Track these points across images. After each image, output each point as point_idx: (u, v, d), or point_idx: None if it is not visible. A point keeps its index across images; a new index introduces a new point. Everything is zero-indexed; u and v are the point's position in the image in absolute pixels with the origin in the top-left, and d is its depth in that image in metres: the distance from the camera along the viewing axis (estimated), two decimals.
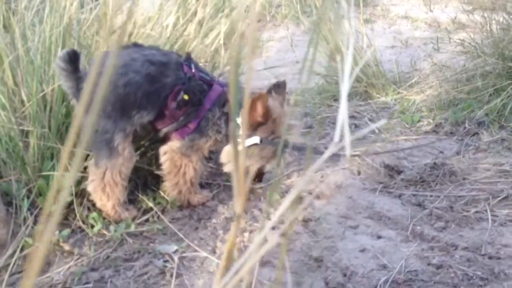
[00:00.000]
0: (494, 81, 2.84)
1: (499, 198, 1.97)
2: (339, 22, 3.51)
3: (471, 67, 3.16)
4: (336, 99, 3.25)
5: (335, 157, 2.35)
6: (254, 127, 1.82)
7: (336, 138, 0.59)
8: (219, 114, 1.84)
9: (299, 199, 0.55)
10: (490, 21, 3.08)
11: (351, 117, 2.96)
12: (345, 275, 1.61)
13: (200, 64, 2.18)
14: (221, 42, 2.37)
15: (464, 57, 3.22)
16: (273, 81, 2.03)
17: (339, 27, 3.46)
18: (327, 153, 0.55)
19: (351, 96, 3.26)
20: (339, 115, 0.59)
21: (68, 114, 1.96)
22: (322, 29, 3.46)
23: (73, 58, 1.69)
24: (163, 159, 1.89)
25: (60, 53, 1.72)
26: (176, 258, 1.67)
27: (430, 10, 4.71)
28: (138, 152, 1.99)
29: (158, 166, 1.96)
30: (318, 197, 2.10)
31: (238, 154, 0.50)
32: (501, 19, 3.05)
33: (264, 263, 1.69)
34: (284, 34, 4.77)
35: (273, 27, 5.07)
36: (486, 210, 1.89)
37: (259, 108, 1.77)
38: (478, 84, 2.88)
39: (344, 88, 0.61)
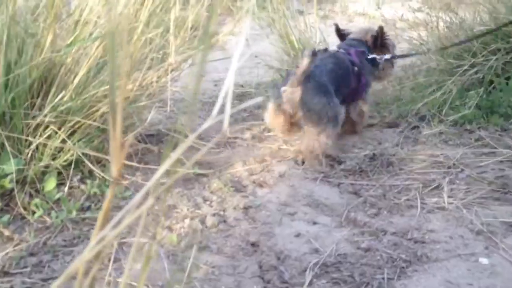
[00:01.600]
0: (437, 77, 2.97)
1: (430, 188, 2.07)
2: (295, 18, 3.58)
3: (417, 63, 3.30)
4: None
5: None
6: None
7: (215, 112, 0.65)
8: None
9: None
10: (437, 19, 3.20)
11: None
12: (278, 259, 1.68)
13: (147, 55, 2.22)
14: (171, 31, 2.40)
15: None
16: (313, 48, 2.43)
17: (294, 22, 3.53)
18: (204, 126, 0.61)
19: None
20: (223, 90, 0.65)
21: (13, 102, 1.97)
22: (278, 24, 3.54)
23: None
24: (364, 110, 2.64)
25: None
26: (115, 243, 1.71)
27: (379, 7, 4.83)
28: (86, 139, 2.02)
29: (105, 153, 2.00)
30: (261, 185, 2.17)
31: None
32: (446, 18, 3.17)
33: (202, 248, 1.75)
34: (244, 28, 4.82)
35: (233, 21, 5.11)
36: (416, 198, 1.99)
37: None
38: (422, 80, 3.00)
39: (233, 67, 0.67)
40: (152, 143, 2.42)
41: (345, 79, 2.49)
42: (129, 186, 2.06)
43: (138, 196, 0.58)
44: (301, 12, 3.82)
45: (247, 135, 2.71)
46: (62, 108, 2.00)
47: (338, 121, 2.33)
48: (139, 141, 2.38)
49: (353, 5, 5.80)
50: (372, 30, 2.83)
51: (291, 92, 2.28)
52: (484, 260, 1.60)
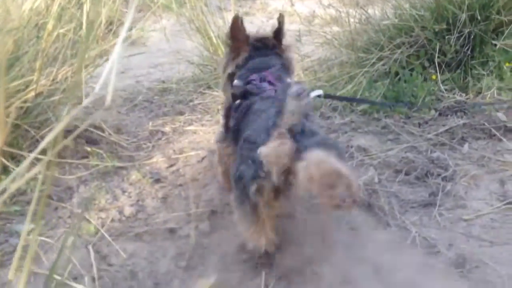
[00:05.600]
0: (348, 70, 3.14)
1: None
2: (214, 14, 3.65)
3: (331, 57, 3.47)
4: (209, 86, 3.39)
5: None
6: None
7: (98, 87, 0.71)
8: None
9: None
10: (348, 15, 3.38)
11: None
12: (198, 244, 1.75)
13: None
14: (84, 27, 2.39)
15: (325, 48, 3.51)
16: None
17: (213, 19, 3.60)
18: (88, 100, 0.67)
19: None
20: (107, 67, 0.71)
21: None
22: (197, 21, 3.59)
23: None
24: None
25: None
26: (31, 236, 1.71)
27: (292, 4, 5.00)
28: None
29: (20, 148, 1.98)
30: (180, 176, 2.22)
31: None
32: (356, 14, 3.36)
33: (120, 236, 1.78)
34: (164, 24, 4.83)
35: (154, 17, 5.11)
36: None
37: None
38: (335, 73, 3.17)
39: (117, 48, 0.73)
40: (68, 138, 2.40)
41: None
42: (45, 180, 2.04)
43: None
44: (220, 9, 3.89)
45: (167, 128, 2.75)
46: None
47: None
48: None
49: (273, 2, 5.95)
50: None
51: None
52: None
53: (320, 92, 1.76)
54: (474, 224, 1.79)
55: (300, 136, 1.36)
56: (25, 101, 2.04)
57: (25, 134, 2.13)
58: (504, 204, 1.89)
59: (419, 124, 2.63)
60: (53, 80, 2.21)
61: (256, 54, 1.85)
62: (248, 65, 1.83)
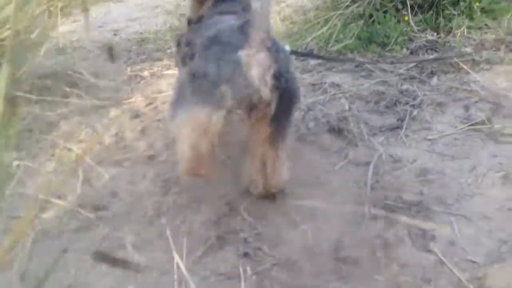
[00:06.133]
0: (324, 13, 3.19)
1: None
2: None
3: (307, 4, 3.51)
4: None
5: None
6: None
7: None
8: None
9: None
10: None
11: None
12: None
13: None
14: None
15: None
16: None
17: None
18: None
19: None
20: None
21: None
22: None
23: None
24: None
25: None
26: (16, 164, 1.78)
27: None
28: None
29: None
30: (157, 112, 2.28)
31: None
32: None
33: (101, 162, 1.86)
34: None
35: None
36: None
37: None
38: (310, 16, 3.22)
39: None
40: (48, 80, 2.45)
41: None
42: (26, 116, 2.10)
43: None
44: None
45: (146, 73, 2.80)
46: None
47: None
48: (39, 77, 2.40)
49: None
50: None
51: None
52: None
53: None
54: (438, 143, 1.89)
55: (272, 46, 1.32)
56: (3, 39, 2.08)
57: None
58: (468, 126, 1.99)
59: (392, 62, 2.71)
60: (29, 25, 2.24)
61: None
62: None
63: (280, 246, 1.41)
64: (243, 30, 1.33)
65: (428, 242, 1.39)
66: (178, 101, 1.39)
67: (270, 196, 1.55)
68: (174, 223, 1.50)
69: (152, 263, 1.34)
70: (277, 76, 1.31)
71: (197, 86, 1.33)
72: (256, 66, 1.29)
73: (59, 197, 1.62)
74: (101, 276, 1.30)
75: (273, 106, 1.34)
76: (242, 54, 1.29)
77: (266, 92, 1.31)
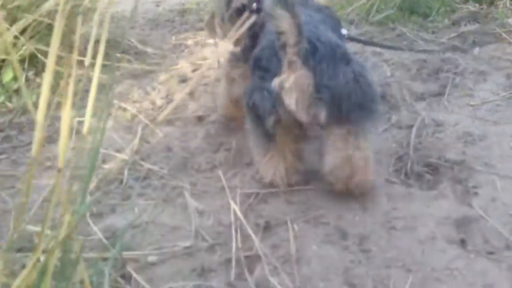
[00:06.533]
0: None
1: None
2: None
3: None
4: None
5: None
6: None
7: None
8: None
9: None
10: None
11: None
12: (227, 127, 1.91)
13: None
14: None
15: None
16: None
17: None
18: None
19: None
20: None
21: None
22: None
23: None
24: None
25: None
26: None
27: None
28: None
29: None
30: (204, 77, 2.37)
31: None
32: None
33: (154, 121, 1.96)
34: None
35: None
36: None
37: None
38: None
39: None
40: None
41: None
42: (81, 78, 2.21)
43: None
44: None
45: (190, 42, 2.89)
46: (11, 5, 2.12)
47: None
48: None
49: None
50: None
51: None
52: None
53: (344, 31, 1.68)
54: (480, 109, 1.93)
55: (312, 57, 1.32)
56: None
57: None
58: (510, 93, 2.02)
59: (433, 32, 2.73)
60: None
61: None
62: None
63: (327, 197, 1.49)
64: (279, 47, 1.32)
65: (471, 198, 1.45)
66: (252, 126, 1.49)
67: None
68: (226, 176, 1.60)
69: (209, 209, 1.44)
70: (318, 89, 1.32)
71: (254, 116, 1.44)
72: (290, 92, 1.30)
73: (118, 151, 1.74)
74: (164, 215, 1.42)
75: (322, 116, 1.34)
76: (276, 83, 1.32)
77: (302, 115, 1.33)
